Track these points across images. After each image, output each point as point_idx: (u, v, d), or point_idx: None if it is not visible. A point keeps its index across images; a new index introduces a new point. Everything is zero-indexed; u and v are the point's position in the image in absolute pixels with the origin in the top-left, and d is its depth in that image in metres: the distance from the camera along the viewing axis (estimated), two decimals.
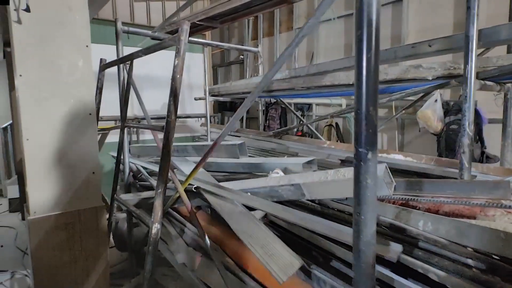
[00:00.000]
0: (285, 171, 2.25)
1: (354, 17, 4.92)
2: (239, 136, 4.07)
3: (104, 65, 3.16)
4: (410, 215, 1.34)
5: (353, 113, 1.03)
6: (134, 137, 5.87)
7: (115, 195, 2.82)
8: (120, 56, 2.98)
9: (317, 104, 5.76)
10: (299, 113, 5.82)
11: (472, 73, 1.57)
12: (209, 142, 3.17)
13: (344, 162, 2.76)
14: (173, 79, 2.03)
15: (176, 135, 6.99)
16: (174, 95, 2.04)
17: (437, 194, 1.44)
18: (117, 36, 2.99)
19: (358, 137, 1.00)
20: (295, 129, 5.43)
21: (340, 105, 5.19)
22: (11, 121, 5.71)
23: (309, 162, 2.28)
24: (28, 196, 2.11)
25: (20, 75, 1.99)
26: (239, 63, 7.12)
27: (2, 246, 3.97)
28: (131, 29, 3.13)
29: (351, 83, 2.61)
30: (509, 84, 2.19)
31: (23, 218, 4.88)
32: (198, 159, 2.89)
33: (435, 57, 2.20)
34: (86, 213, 2.26)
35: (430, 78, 2.10)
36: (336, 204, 1.80)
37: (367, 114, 0.98)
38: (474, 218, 1.33)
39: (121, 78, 2.95)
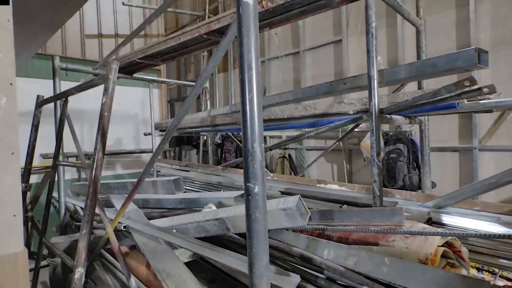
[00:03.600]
0: (219, 205, 2.25)
1: (300, 54, 5.25)
2: (188, 171, 4.04)
3: (40, 102, 3.09)
4: (318, 244, 1.39)
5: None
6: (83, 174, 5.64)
7: (43, 238, 2.66)
8: (57, 92, 2.93)
9: (271, 137, 5.90)
10: None
11: (375, 109, 1.72)
12: (147, 179, 3.12)
13: (284, 194, 2.82)
14: (101, 117, 2.02)
15: (130, 171, 6.77)
16: (102, 132, 2.03)
17: (345, 222, 1.51)
18: (54, 73, 2.96)
19: (245, 172, 1.05)
20: None
21: (289, 136, 5.36)
22: None
23: (242, 195, 2.30)
24: None
25: None
26: (196, 97, 7.21)
27: None
28: (70, 65, 3.12)
29: (285, 117, 2.73)
30: (422, 117, 2.40)
31: None
32: (139, 196, 2.83)
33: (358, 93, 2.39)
34: (5, 260, 2.09)
35: (351, 113, 2.26)
36: None
37: (252, 150, 1.04)
38: (377, 244, 1.40)
39: (57, 116, 2.88)
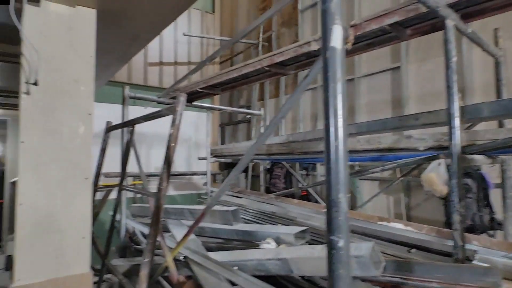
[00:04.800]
0: (277, 240, 2.18)
1: (354, 81, 5.13)
2: (240, 197, 4.04)
3: (109, 128, 3.30)
4: None
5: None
6: (138, 194, 5.89)
7: (105, 260, 2.76)
8: (126, 119, 3.12)
9: (322, 164, 5.75)
10: (304, 172, 5.81)
11: (457, 149, 1.57)
12: (203, 207, 3.14)
13: None
14: (168, 147, 2.09)
15: (181, 192, 6.98)
16: (168, 163, 2.09)
17: (425, 277, 1.36)
18: (123, 100, 3.16)
19: (329, 224, 0.98)
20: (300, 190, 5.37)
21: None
22: None
23: (302, 232, 2.22)
24: (15, 262, 2.09)
25: (22, 142, 2.08)
26: (246, 122, 7.33)
27: None
28: (138, 94, 3.31)
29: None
30: (504, 156, 2.17)
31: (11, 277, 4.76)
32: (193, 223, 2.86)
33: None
34: (72, 281, 2.20)
35: (422, 149, 2.11)
36: (326, 282, 1.71)
37: (337, 201, 0.97)
38: None
39: (124, 141, 3.05)
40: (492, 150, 1.68)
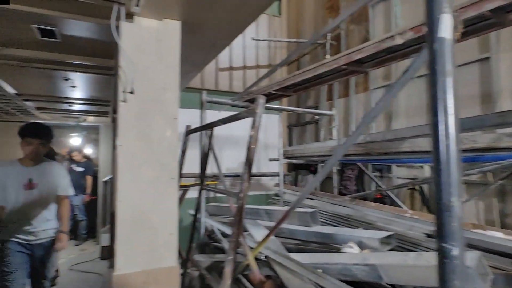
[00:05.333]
0: (360, 245, 2.09)
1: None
2: (313, 199, 3.98)
3: (189, 131, 3.51)
4: None
5: None
6: (212, 194, 6.17)
7: (189, 255, 2.93)
8: (203, 123, 3.29)
9: (398, 166, 5.40)
10: (377, 174, 5.51)
11: None
12: (280, 208, 3.16)
13: (431, 238, 2.47)
14: (248, 149, 2.14)
15: (251, 193, 7.14)
16: (249, 164, 2.14)
17: None
18: (201, 106, 3.34)
19: (440, 230, 0.91)
20: (375, 192, 5.11)
21: (422, 167, 4.79)
22: (110, 176, 6.55)
23: (387, 237, 2.09)
24: (115, 253, 2.32)
25: (120, 145, 2.32)
26: (314, 123, 7.22)
27: None
28: (214, 99, 3.47)
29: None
30: None
31: (110, 266, 5.31)
32: (269, 223, 2.89)
33: None
34: (162, 273, 2.37)
35: None
36: None
37: (449, 205, 0.89)
38: None
39: (203, 143, 3.22)
40: None
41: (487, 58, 4.26)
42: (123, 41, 2.22)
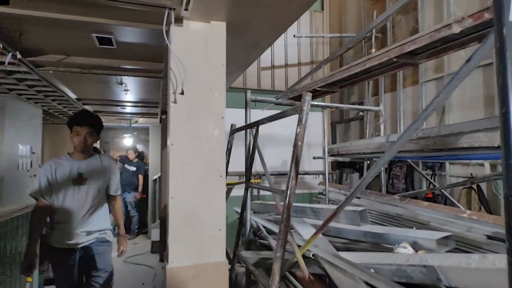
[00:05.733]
0: (415, 246, 2.00)
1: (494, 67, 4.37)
2: (359, 198, 3.87)
3: (234, 130, 3.58)
4: None
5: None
6: (255, 192, 6.24)
7: (236, 251, 2.99)
8: (248, 122, 3.34)
9: (451, 163, 5.07)
10: (428, 172, 5.22)
11: None
12: (327, 206, 3.11)
13: (493, 240, 2.29)
14: (295, 146, 2.13)
15: (296, 191, 7.04)
16: (296, 161, 2.13)
17: None
18: (246, 105, 3.39)
19: (509, 230, 0.84)
20: (426, 191, 4.85)
21: (482, 164, 4.45)
22: (159, 174, 6.88)
23: (444, 238, 1.98)
24: (168, 246, 2.44)
25: (172, 144, 2.43)
26: (358, 119, 7.01)
27: (143, 284, 4.58)
28: (258, 97, 3.50)
29: (495, 145, 2.25)
30: None
31: (161, 260, 5.58)
32: (316, 221, 2.86)
33: None
34: (211, 268, 2.45)
35: None
36: None
37: None
38: None
39: (247, 142, 3.27)
40: None
41: None
42: (173, 45, 2.32)
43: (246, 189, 3.07)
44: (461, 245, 2.09)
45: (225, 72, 2.55)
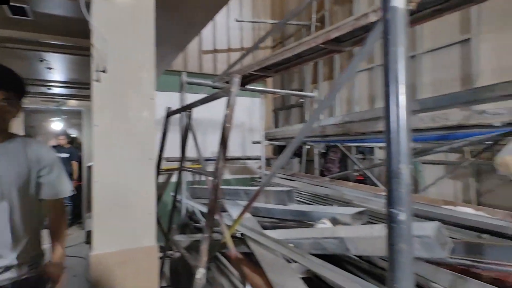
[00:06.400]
0: (334, 221, 2.15)
1: (416, 58, 4.76)
2: (294, 180, 4.03)
3: (169, 113, 3.49)
4: (466, 284, 1.17)
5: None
6: (197, 177, 6.18)
7: (168, 236, 2.96)
8: (183, 105, 3.27)
9: (380, 148, 5.49)
10: (360, 156, 5.60)
11: None
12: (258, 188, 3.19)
13: None
14: (223, 128, 2.15)
15: (237, 176, 7.16)
16: (223, 143, 2.15)
17: (501, 260, 1.24)
18: (181, 87, 3.31)
19: (389, 196, 0.94)
20: (356, 174, 5.21)
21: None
22: None
23: (359, 213, 2.15)
24: (92, 234, 2.33)
25: (96, 125, 2.29)
26: (299, 106, 7.24)
27: (75, 276, 4.35)
28: (194, 80, 3.44)
29: None
30: None
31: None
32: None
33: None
34: (140, 252, 2.39)
35: (498, 125, 1.90)
36: (385, 263, 1.65)
37: (397, 171, 0.92)
38: None
39: (182, 125, 3.21)
40: None
41: (468, 40, 4.31)
42: (95, 18, 2.16)
43: (179, 173, 3.03)
44: (374, 219, 2.29)
45: (154, 51, 2.44)
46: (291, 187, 2.67)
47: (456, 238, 1.91)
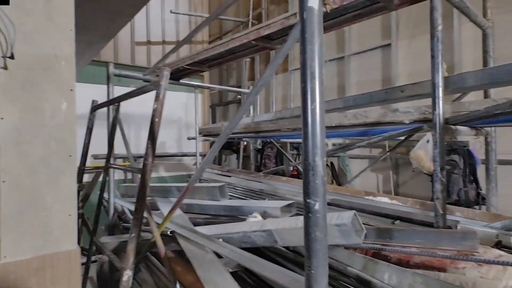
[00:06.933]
0: (264, 215, 2.20)
1: (345, 60, 5.10)
2: (230, 176, 4.05)
3: (94, 106, 3.24)
4: (376, 266, 1.28)
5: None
6: (129, 175, 5.87)
7: (94, 238, 2.76)
8: (110, 97, 3.06)
9: None
10: (294, 152, 5.82)
11: (440, 119, 1.57)
12: (199, 184, 3.14)
13: (330, 205, 2.71)
14: (152, 122, 2.06)
15: (172, 173, 6.92)
16: (152, 138, 2.06)
17: (406, 243, 1.38)
18: (108, 79, 3.09)
19: (305, 188, 0.98)
20: (291, 168, 5.40)
21: (335, 144, 5.20)
22: None
23: (288, 205, 2.23)
24: (0, 240, 2.07)
25: (2, 118, 2.03)
26: (236, 102, 7.27)
27: None
28: (122, 72, 3.25)
29: (333, 125, 2.63)
30: (488, 128, 2.18)
31: None
32: (184, 200, 2.86)
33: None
34: (60, 257, 2.19)
35: (407, 122, 2.11)
36: None
37: (313, 164, 0.97)
38: (445, 270, 1.26)
39: (110, 121, 3.01)
40: (475, 120, 1.69)
41: (388, 45, 4.73)
42: None
43: (105, 170, 2.84)
44: (301, 210, 2.40)
45: (73, 38, 2.24)
46: (225, 183, 2.67)
47: (372, 225, 2.08)
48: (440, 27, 1.64)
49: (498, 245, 1.82)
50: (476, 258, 1.10)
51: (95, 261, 3.19)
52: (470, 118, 1.66)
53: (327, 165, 5.49)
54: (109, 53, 5.66)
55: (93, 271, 3.33)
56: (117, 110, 2.76)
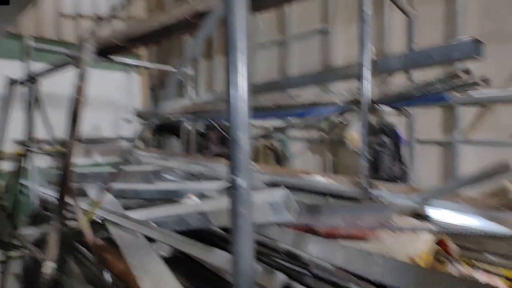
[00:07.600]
0: (201, 196, 2.16)
1: (286, 43, 5.13)
2: (169, 160, 3.91)
3: (10, 83, 2.88)
4: (305, 240, 1.32)
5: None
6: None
7: (12, 230, 2.50)
8: (28, 74, 2.73)
9: (255, 127, 5.80)
10: None
11: (366, 99, 1.65)
12: (132, 168, 2.97)
13: (268, 185, 2.75)
14: (75, 102, 1.88)
15: (110, 159, 6.51)
16: (74, 117, 1.89)
17: (334, 217, 1.45)
18: (25, 54, 2.75)
19: (231, 165, 0.96)
20: None
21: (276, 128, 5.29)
22: None
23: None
24: None
25: None
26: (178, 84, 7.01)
27: None
28: (44, 46, 2.91)
29: (271, 106, 2.65)
30: (410, 110, 2.36)
31: None
32: (116, 186, 2.70)
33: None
34: None
35: (340, 103, 2.20)
36: None
37: (237, 140, 0.95)
38: (366, 240, 1.35)
39: (28, 98, 2.69)
40: (397, 101, 1.81)
41: (326, 29, 4.84)
42: None
43: (25, 155, 2.56)
44: None
45: None
46: (173, 168, 2.56)
47: (306, 203, 2.16)
48: (369, 11, 1.70)
49: (416, 215, 2.01)
50: (390, 226, 1.19)
51: (23, 257, 2.91)
52: (392, 99, 1.77)
53: (270, 148, 5.58)
54: (29, 26, 5.04)
55: (18, 268, 3.04)
56: (34, 88, 2.47)
